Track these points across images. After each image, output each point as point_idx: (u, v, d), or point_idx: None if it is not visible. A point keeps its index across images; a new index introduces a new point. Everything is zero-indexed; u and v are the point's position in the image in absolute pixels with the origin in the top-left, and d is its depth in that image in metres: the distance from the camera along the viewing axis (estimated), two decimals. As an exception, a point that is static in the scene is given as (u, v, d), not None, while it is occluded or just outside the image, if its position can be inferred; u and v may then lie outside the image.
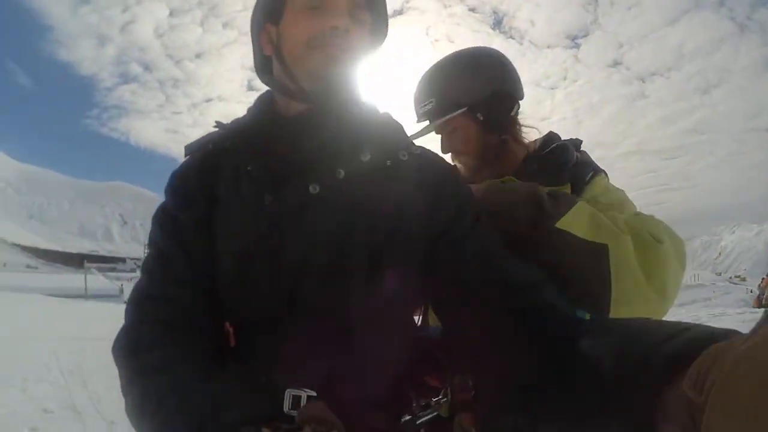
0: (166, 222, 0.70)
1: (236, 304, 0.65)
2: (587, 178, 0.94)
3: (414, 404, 0.63)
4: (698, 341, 0.35)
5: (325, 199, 0.62)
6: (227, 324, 0.66)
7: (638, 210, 0.88)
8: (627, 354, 0.41)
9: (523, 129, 1.03)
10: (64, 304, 12.82)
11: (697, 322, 0.40)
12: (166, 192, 0.72)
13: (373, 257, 0.61)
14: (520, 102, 1.03)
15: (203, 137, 0.72)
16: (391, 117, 0.73)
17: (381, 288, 0.61)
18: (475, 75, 0.98)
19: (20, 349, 5.61)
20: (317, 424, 0.48)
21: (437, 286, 0.63)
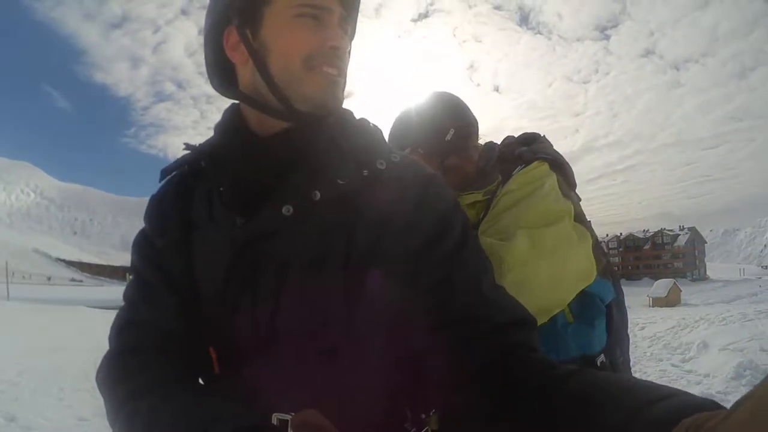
0: (144, 247, 0.69)
1: (218, 329, 0.62)
2: (514, 172, 0.98)
3: (408, 420, 0.61)
4: (681, 409, 0.34)
5: (300, 221, 0.59)
6: (211, 350, 0.63)
7: (551, 202, 0.90)
8: (605, 415, 0.39)
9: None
10: (107, 315, 13.32)
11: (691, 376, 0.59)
12: (144, 217, 0.71)
13: (350, 278, 0.58)
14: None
15: (178, 159, 0.69)
16: (368, 123, 0.69)
17: (361, 308, 0.58)
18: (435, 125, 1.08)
19: (60, 359, 5.77)
20: (311, 430, 0.48)
21: (417, 304, 0.59)
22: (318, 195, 0.59)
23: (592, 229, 0.97)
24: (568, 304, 0.97)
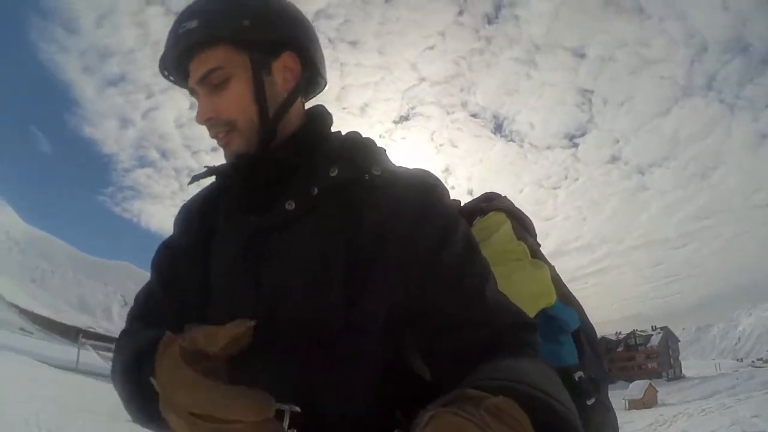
0: (165, 248, 0.76)
1: (225, 317, 0.62)
2: (474, 222, 1.08)
3: (397, 424, 0.61)
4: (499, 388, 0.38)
5: (302, 215, 0.64)
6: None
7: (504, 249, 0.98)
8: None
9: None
10: (54, 373, 12.41)
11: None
12: (174, 222, 0.79)
13: (349, 274, 0.61)
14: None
15: (209, 168, 0.74)
16: (359, 135, 0.74)
17: (359, 305, 0.60)
18: None
19: (2, 408, 5.44)
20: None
21: (417, 307, 0.61)
22: (315, 190, 0.64)
23: (551, 265, 1.04)
24: None
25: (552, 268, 1.02)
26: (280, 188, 0.66)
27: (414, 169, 0.72)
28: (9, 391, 6.91)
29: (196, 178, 0.75)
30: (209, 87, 0.66)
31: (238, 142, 0.68)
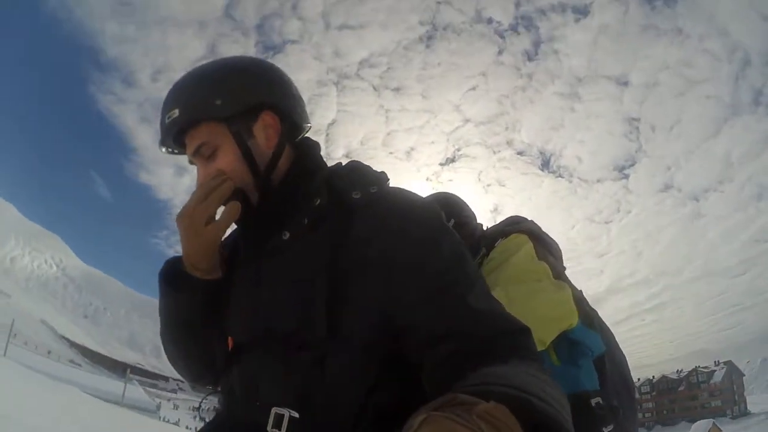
0: None
1: (232, 326, 0.79)
2: (496, 244, 1.16)
3: None
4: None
5: (294, 242, 0.74)
6: (230, 338, 0.79)
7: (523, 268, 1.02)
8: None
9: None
10: (99, 406, 11.98)
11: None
12: None
13: (333, 289, 0.67)
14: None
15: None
16: (351, 163, 0.85)
17: (347, 320, 0.66)
18: None
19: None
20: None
21: (404, 321, 0.65)
22: (306, 220, 0.74)
23: (574, 286, 1.04)
24: (555, 350, 1.04)
25: (576, 290, 1.01)
26: (278, 223, 0.76)
27: (401, 191, 0.78)
28: (54, 420, 6.52)
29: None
30: (202, 159, 0.78)
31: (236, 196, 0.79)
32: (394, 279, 0.66)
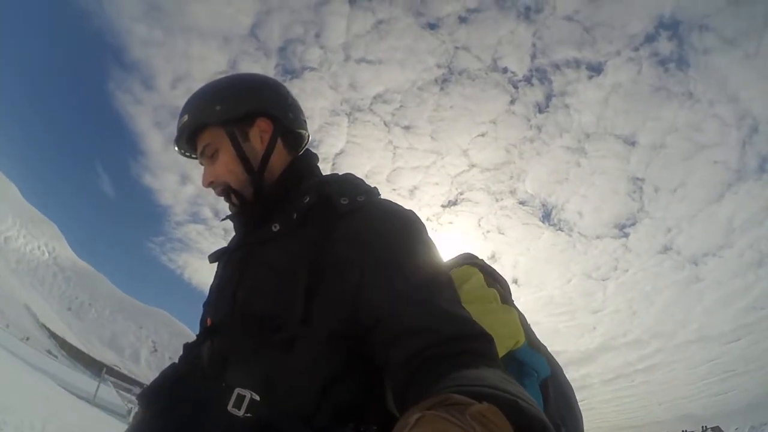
0: None
1: (211, 308, 0.86)
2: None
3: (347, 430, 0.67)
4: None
5: (282, 234, 0.80)
6: (209, 319, 0.84)
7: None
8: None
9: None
10: (69, 400, 11.96)
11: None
12: None
13: (312, 281, 0.72)
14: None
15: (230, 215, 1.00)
16: (346, 174, 0.93)
17: (316, 311, 0.71)
18: None
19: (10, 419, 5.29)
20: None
21: (372, 316, 0.68)
22: (295, 215, 0.81)
23: (521, 312, 1.11)
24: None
25: (521, 315, 1.08)
26: (269, 216, 0.84)
27: (387, 201, 0.85)
28: (23, 406, 6.66)
29: (224, 218, 0.96)
30: (207, 159, 0.91)
31: (233, 195, 0.90)
32: (368, 277, 0.70)
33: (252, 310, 0.75)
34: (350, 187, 0.84)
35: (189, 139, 0.93)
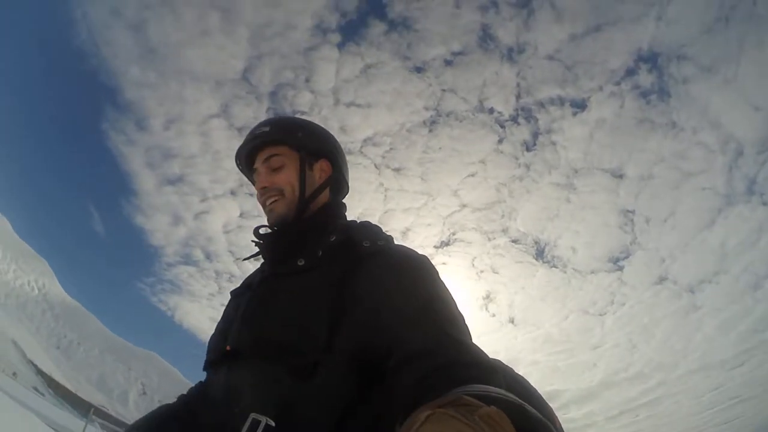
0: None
1: (232, 336, 0.87)
2: None
3: None
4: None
5: (307, 269, 0.87)
6: (227, 346, 0.86)
7: None
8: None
9: None
10: None
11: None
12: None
13: (334, 315, 0.77)
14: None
15: (255, 253, 1.05)
16: (370, 222, 1.00)
17: (337, 343, 0.75)
18: None
19: None
20: None
21: (385, 351, 0.71)
22: (320, 252, 0.89)
23: None
24: None
25: None
26: (296, 251, 0.91)
27: (403, 246, 0.92)
28: None
29: (246, 259, 1.05)
30: (268, 168, 1.00)
31: (281, 206, 0.98)
32: (385, 309, 0.76)
33: (274, 336, 0.79)
34: (371, 232, 0.92)
35: (255, 150, 1.03)
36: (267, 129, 1.01)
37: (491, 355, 0.75)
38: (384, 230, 0.97)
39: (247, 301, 0.91)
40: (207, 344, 0.97)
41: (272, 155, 1.00)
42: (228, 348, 0.85)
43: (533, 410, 0.43)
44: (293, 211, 0.98)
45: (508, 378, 0.76)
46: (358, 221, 1.02)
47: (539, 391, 0.88)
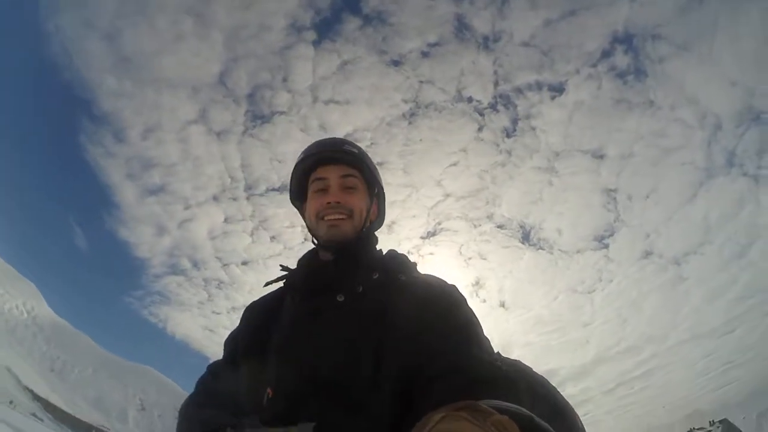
0: (232, 335, 1.08)
1: (272, 377, 0.88)
2: None
3: None
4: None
5: (348, 305, 0.89)
6: (268, 390, 0.87)
7: None
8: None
9: None
10: None
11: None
12: (241, 316, 1.11)
13: (378, 347, 0.82)
14: None
15: (278, 276, 1.07)
16: (395, 251, 1.06)
17: (382, 372, 0.80)
18: None
19: None
20: None
21: (422, 372, 0.77)
22: (361, 288, 0.91)
23: None
24: None
25: None
26: (335, 285, 0.93)
27: (434, 277, 0.98)
28: None
29: (269, 283, 1.07)
30: (343, 185, 1.02)
31: (348, 227, 0.99)
32: (421, 337, 0.81)
33: (320, 374, 0.82)
34: (406, 266, 0.99)
35: (328, 161, 1.05)
36: (355, 151, 1.05)
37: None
38: (409, 258, 1.05)
39: (287, 339, 0.92)
40: (227, 350, 1.06)
41: (349, 174, 1.03)
42: (270, 392, 0.86)
43: (543, 423, 0.47)
44: (355, 235, 1.00)
45: (530, 387, 0.83)
46: (387, 251, 1.07)
47: (562, 395, 0.92)
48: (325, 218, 0.99)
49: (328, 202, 1.00)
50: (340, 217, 0.99)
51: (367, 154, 1.09)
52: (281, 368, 0.88)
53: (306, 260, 1.07)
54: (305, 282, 0.99)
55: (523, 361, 1.01)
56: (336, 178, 1.02)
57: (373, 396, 0.78)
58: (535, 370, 0.97)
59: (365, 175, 1.06)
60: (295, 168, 1.09)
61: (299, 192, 1.11)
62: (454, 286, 0.94)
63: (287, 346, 0.90)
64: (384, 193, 1.14)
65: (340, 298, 0.90)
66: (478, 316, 0.89)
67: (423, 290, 0.91)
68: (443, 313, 0.85)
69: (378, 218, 1.13)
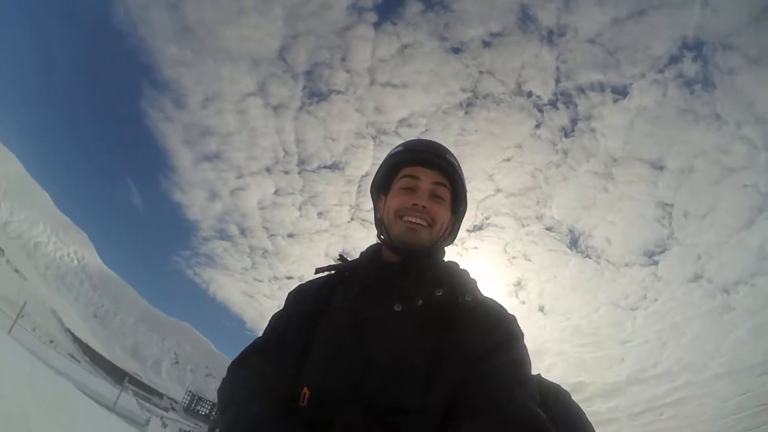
0: (278, 315, 1.04)
1: (315, 377, 0.85)
2: None
3: None
4: None
5: (406, 317, 0.87)
6: (306, 388, 0.84)
7: None
8: None
9: None
10: (89, 406, 11.82)
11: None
12: (288, 295, 1.07)
13: (430, 367, 0.81)
14: None
15: (332, 264, 1.04)
16: (457, 265, 1.03)
17: (431, 393, 0.79)
18: None
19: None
20: None
21: (466, 402, 0.77)
22: (420, 302, 0.89)
23: None
24: None
25: None
26: (394, 292, 0.91)
27: (495, 303, 0.95)
28: (43, 408, 6.33)
29: (321, 270, 1.05)
30: (433, 192, 1.00)
31: (426, 234, 0.97)
32: (476, 367, 0.80)
33: (365, 384, 0.80)
34: (468, 287, 0.95)
35: (413, 163, 1.02)
36: (455, 163, 1.03)
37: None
38: (470, 276, 1.01)
39: (335, 340, 0.89)
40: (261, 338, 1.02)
41: (442, 183, 1.00)
42: (306, 392, 0.84)
43: None
44: (429, 244, 0.98)
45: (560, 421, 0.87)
46: (447, 262, 1.05)
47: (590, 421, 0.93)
48: (405, 218, 0.97)
49: (415, 204, 0.97)
50: (422, 222, 0.96)
51: (462, 170, 1.06)
52: (324, 370, 0.86)
53: (369, 256, 1.04)
54: (366, 279, 0.96)
55: (562, 386, 1.02)
56: (428, 183, 0.99)
57: (414, 417, 0.77)
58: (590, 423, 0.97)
59: (455, 190, 1.03)
60: (388, 157, 1.06)
61: (383, 183, 1.08)
62: (514, 317, 0.92)
63: (335, 349, 0.87)
64: (465, 212, 1.11)
65: (398, 308, 0.88)
66: (529, 355, 0.88)
67: (484, 318, 0.88)
68: (500, 348, 0.84)
69: (451, 235, 1.09)
